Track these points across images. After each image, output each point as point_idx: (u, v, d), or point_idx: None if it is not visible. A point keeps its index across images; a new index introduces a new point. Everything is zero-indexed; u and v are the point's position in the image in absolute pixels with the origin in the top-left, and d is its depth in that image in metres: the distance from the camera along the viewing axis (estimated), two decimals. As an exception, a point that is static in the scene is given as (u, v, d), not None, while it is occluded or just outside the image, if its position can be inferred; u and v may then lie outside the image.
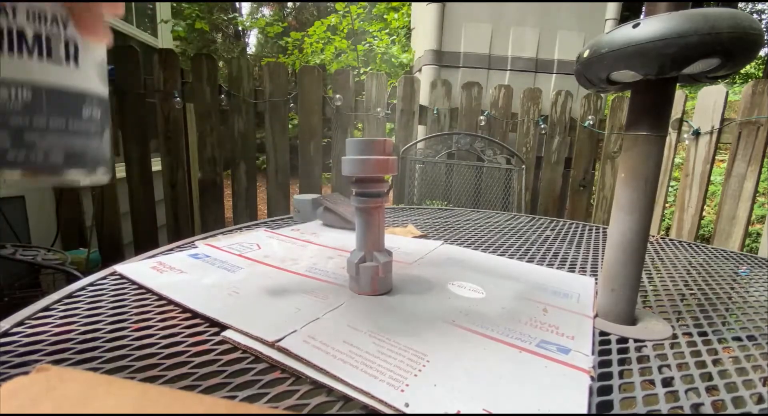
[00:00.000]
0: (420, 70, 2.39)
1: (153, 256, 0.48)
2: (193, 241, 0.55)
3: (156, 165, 1.97)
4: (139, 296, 0.37)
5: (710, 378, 0.29)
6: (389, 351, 0.28)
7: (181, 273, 0.42)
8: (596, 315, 0.38)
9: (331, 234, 0.63)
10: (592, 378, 0.27)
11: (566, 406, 0.24)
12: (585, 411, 0.24)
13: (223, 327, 0.32)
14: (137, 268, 0.43)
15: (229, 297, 0.36)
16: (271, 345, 0.29)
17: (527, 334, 0.33)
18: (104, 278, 0.41)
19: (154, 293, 0.38)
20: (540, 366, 0.28)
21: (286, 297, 0.37)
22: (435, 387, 0.25)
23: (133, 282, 0.40)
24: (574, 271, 0.53)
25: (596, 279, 0.48)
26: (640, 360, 0.31)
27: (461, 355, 0.29)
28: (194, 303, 0.35)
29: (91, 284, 0.40)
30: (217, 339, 0.30)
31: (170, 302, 0.36)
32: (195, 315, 0.34)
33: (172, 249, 0.52)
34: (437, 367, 0.27)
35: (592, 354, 0.30)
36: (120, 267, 0.43)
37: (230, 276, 0.42)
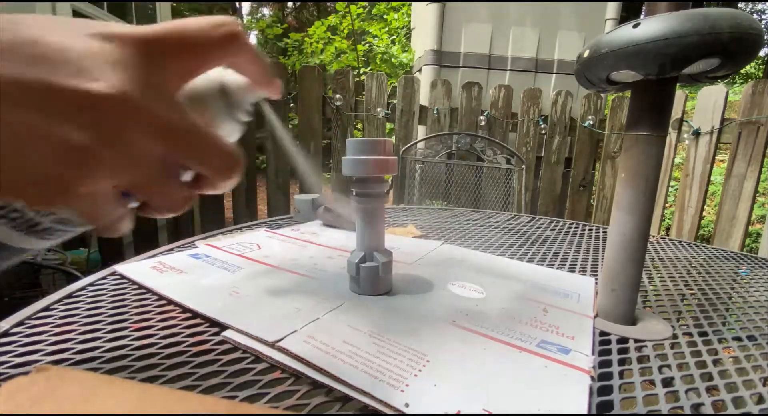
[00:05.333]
0: (420, 70, 2.40)
1: (153, 256, 0.48)
2: (193, 241, 0.55)
3: (156, 165, 1.97)
4: (139, 296, 0.37)
5: (710, 378, 0.29)
6: (389, 352, 0.28)
7: (181, 273, 0.42)
8: (596, 315, 0.38)
9: (331, 234, 0.63)
10: (593, 378, 0.27)
11: (566, 406, 0.24)
12: (585, 411, 0.24)
13: (223, 327, 0.32)
14: (137, 268, 0.43)
15: (229, 297, 0.36)
16: (271, 345, 0.29)
17: (527, 334, 0.33)
18: (104, 278, 0.41)
19: (154, 293, 0.38)
20: (540, 366, 0.28)
21: (286, 297, 0.37)
22: (435, 387, 0.25)
23: (133, 282, 0.40)
24: (574, 271, 0.53)
25: (596, 279, 0.48)
26: (640, 360, 0.31)
27: (461, 355, 0.29)
28: (194, 303, 0.35)
29: (91, 284, 0.40)
30: (218, 339, 0.30)
31: (170, 302, 0.36)
32: (195, 315, 0.34)
33: (172, 249, 0.52)
34: (437, 367, 0.27)
35: (593, 354, 0.30)
36: (120, 267, 0.43)
37: (230, 276, 0.42)
